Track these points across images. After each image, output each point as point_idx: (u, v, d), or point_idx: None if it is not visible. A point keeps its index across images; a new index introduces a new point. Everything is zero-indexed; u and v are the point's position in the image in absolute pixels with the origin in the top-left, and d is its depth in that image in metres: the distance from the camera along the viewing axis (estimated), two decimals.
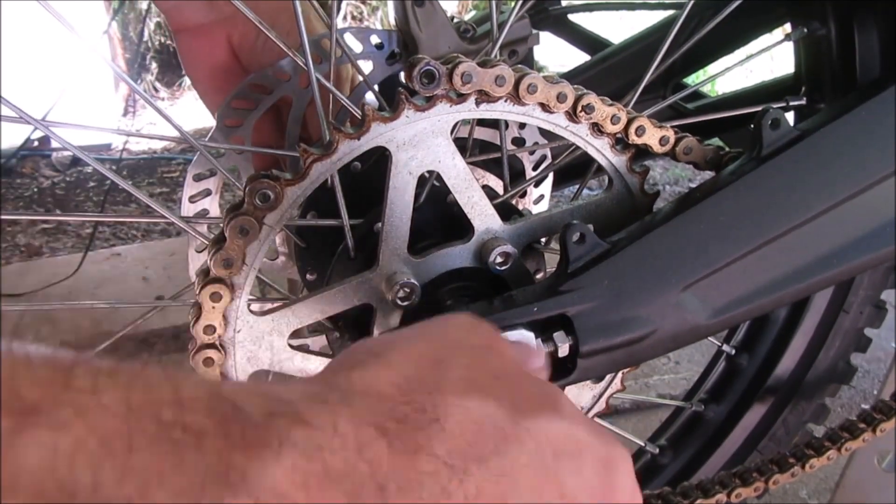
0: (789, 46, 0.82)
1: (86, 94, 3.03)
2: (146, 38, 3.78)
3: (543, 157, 0.84)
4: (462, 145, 0.71)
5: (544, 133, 0.78)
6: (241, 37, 0.74)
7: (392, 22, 0.79)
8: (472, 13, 3.82)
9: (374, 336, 0.39)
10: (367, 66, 0.76)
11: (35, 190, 2.82)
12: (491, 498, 0.31)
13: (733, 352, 0.94)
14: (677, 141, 0.62)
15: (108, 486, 0.22)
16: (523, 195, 0.84)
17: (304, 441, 0.27)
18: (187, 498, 0.23)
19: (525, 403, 0.36)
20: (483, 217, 0.59)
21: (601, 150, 0.61)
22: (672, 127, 0.62)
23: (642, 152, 0.62)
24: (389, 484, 0.28)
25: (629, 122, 0.60)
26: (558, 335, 0.54)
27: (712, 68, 1.15)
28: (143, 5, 3.47)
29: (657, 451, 0.94)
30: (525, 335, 0.54)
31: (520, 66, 0.56)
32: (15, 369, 0.23)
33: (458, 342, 0.39)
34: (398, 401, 0.31)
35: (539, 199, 0.86)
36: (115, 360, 0.26)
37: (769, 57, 0.79)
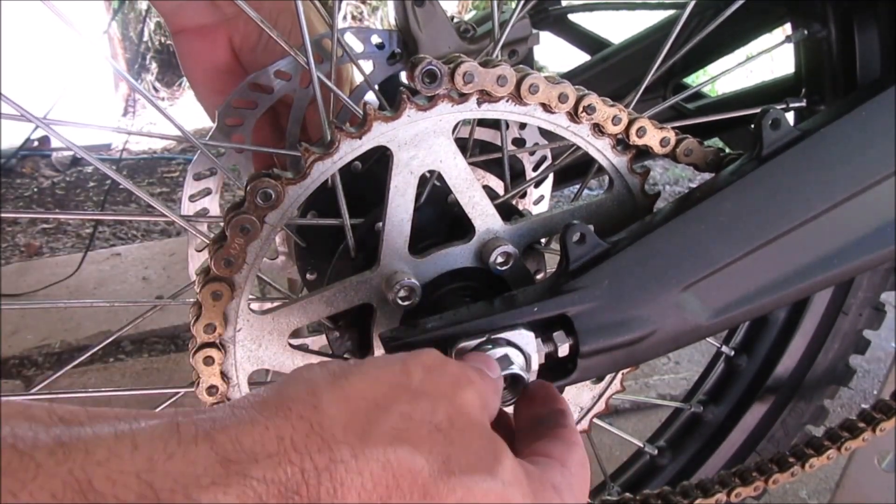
0: (789, 47, 0.82)
1: (86, 93, 3.03)
2: (146, 38, 3.78)
3: (544, 158, 0.84)
4: (462, 145, 0.72)
5: (545, 133, 0.78)
6: (242, 37, 0.73)
7: (392, 22, 0.79)
8: (472, 13, 3.82)
9: (331, 363, 0.39)
10: (367, 66, 0.76)
11: (35, 190, 2.82)
12: None
13: (732, 353, 0.94)
14: (678, 142, 0.62)
15: None
16: (523, 195, 0.84)
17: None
18: None
19: (461, 459, 0.35)
20: (484, 217, 0.59)
21: (602, 151, 0.61)
22: (673, 128, 0.62)
23: (643, 153, 0.62)
24: None
25: (630, 122, 0.60)
26: (558, 335, 0.54)
27: (713, 69, 1.15)
28: (143, 5, 3.47)
29: (656, 451, 0.95)
30: (525, 335, 0.54)
31: (521, 66, 0.56)
32: None
33: (409, 387, 0.38)
34: (303, 463, 0.31)
35: (539, 200, 0.86)
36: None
37: (769, 58, 0.79)
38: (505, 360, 0.52)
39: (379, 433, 0.33)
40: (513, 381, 0.52)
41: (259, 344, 0.58)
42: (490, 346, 0.52)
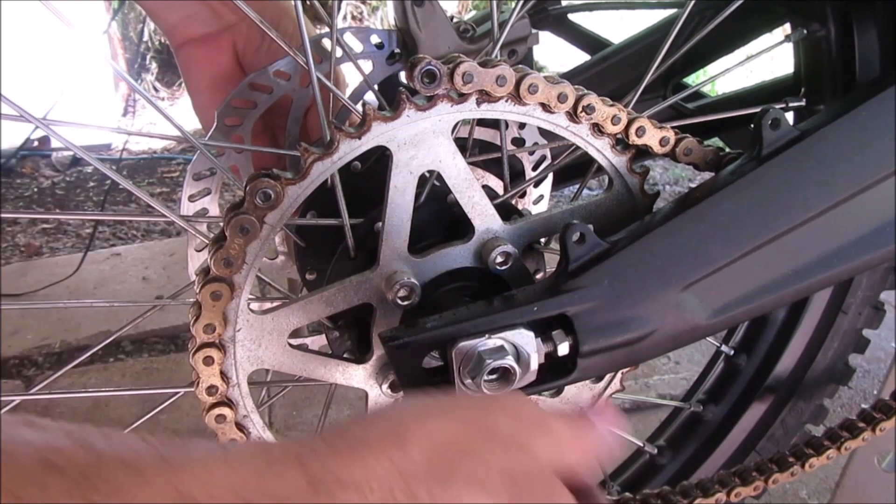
0: (789, 47, 0.82)
1: (86, 93, 3.03)
2: (146, 38, 3.78)
3: (543, 158, 0.84)
4: (462, 145, 0.72)
5: (544, 133, 0.78)
6: (245, 42, 0.74)
7: (392, 22, 0.79)
8: (472, 13, 3.82)
9: (416, 401, 0.40)
10: (367, 66, 0.76)
11: (35, 190, 2.82)
12: None
13: (732, 352, 0.94)
14: (677, 142, 0.62)
15: None
16: (523, 195, 0.84)
17: None
18: None
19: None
20: (483, 217, 0.59)
21: (602, 151, 0.61)
22: (672, 127, 0.62)
23: (642, 153, 0.62)
24: None
25: (630, 122, 0.60)
26: (558, 335, 0.54)
27: (712, 68, 1.15)
28: None
29: (655, 451, 0.95)
30: (525, 335, 0.54)
31: (520, 66, 0.56)
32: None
33: (495, 433, 0.39)
34: (377, 495, 0.32)
35: (539, 200, 0.86)
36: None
37: (769, 57, 0.79)
38: (500, 351, 0.53)
39: (458, 477, 0.35)
40: (503, 374, 0.53)
41: (259, 344, 0.58)
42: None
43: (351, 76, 0.78)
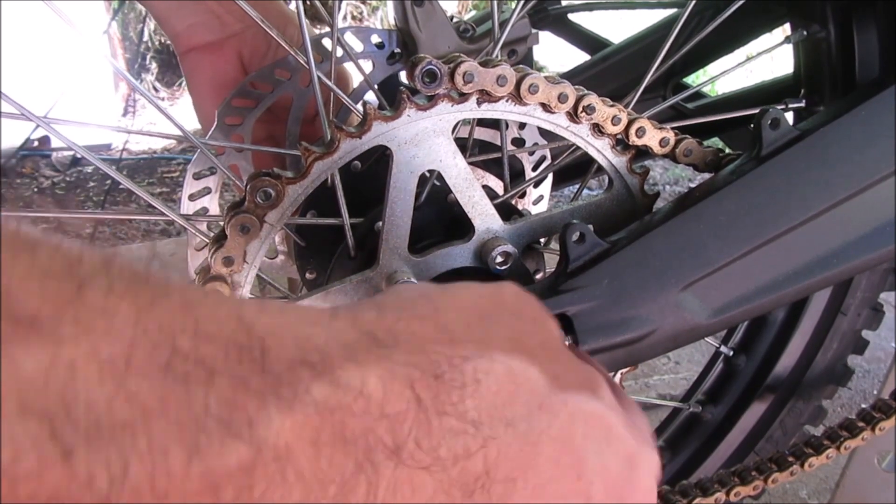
0: (789, 48, 0.82)
1: (86, 93, 3.03)
2: (146, 38, 3.78)
3: (543, 158, 0.84)
4: (462, 145, 0.72)
5: (544, 133, 0.78)
6: (250, 51, 0.75)
7: (392, 22, 0.79)
8: (472, 13, 3.82)
9: (421, 282, 0.38)
10: (367, 66, 0.76)
11: (35, 190, 2.82)
12: (510, 464, 0.30)
13: (731, 353, 0.94)
14: (677, 142, 0.62)
15: (104, 408, 0.21)
16: (523, 195, 0.84)
17: (324, 398, 0.25)
18: (185, 433, 0.22)
19: (567, 377, 0.35)
20: (483, 217, 0.59)
21: (602, 151, 0.61)
22: (672, 128, 0.62)
23: (642, 153, 0.63)
24: (408, 441, 0.27)
25: (630, 123, 0.60)
26: None
27: (712, 68, 1.15)
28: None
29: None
30: None
31: (520, 66, 0.57)
32: (18, 274, 0.22)
33: (508, 305, 0.38)
34: (439, 353, 0.30)
35: (539, 200, 0.86)
36: (139, 267, 0.25)
37: (769, 58, 0.79)
38: None
39: (497, 339, 0.33)
40: None
41: None
42: None
43: (352, 75, 0.78)
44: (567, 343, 0.54)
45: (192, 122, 0.79)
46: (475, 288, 0.38)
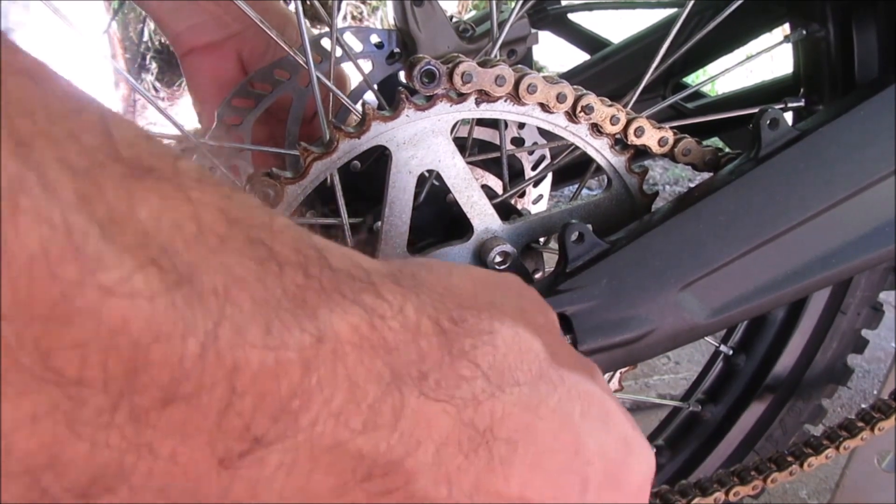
0: (789, 47, 0.82)
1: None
2: (146, 38, 3.79)
3: (542, 157, 0.84)
4: (461, 145, 0.72)
5: (543, 133, 0.78)
6: (250, 51, 0.75)
7: (392, 21, 0.79)
8: (472, 13, 3.82)
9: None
10: (366, 66, 0.76)
11: None
12: (512, 425, 0.31)
13: (731, 352, 0.94)
14: (676, 142, 0.62)
15: (200, 270, 0.22)
16: (522, 195, 0.84)
17: (372, 307, 0.27)
18: (262, 310, 0.23)
19: (566, 358, 0.36)
20: (482, 216, 0.59)
21: (600, 151, 0.61)
22: (671, 128, 0.62)
23: (641, 152, 0.63)
24: (431, 375, 0.28)
25: (628, 122, 0.60)
26: None
27: (712, 68, 1.15)
28: None
29: (654, 450, 0.95)
30: None
31: (519, 66, 0.57)
32: (132, 131, 0.23)
33: (513, 287, 0.39)
34: (461, 303, 0.31)
35: (538, 199, 0.86)
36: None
37: (769, 58, 0.79)
38: None
39: (505, 309, 0.34)
40: None
41: None
42: None
43: (351, 76, 0.78)
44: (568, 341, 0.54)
45: (192, 122, 0.79)
46: (483, 269, 0.39)
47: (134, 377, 0.20)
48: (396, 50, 0.76)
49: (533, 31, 0.79)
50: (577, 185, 0.75)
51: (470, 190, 0.58)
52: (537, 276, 0.66)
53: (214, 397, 0.22)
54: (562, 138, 0.60)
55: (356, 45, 0.75)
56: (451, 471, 0.29)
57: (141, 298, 0.20)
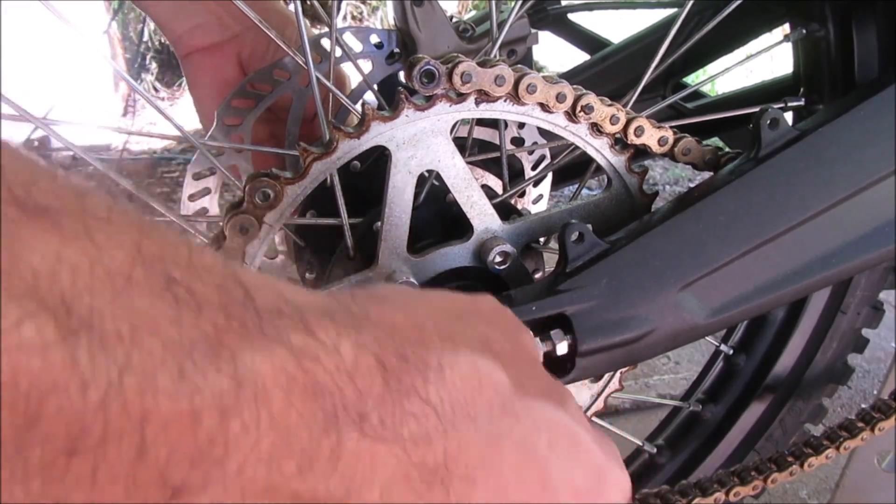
0: (789, 47, 0.82)
1: (86, 93, 3.03)
2: (146, 38, 3.79)
3: (542, 157, 0.84)
4: (461, 145, 0.72)
5: (543, 133, 0.78)
6: (250, 52, 0.75)
7: (392, 22, 0.79)
8: (472, 13, 3.81)
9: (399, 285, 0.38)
10: (366, 66, 0.76)
11: None
12: (471, 460, 0.30)
13: (731, 352, 0.94)
14: (676, 141, 0.62)
15: (103, 315, 0.21)
16: (522, 195, 0.84)
17: (300, 348, 0.26)
18: (174, 354, 0.22)
19: (534, 386, 0.35)
20: (482, 216, 0.59)
21: (600, 150, 0.61)
22: (671, 127, 0.62)
23: (641, 152, 0.63)
24: (372, 414, 0.27)
25: (628, 122, 0.60)
26: (556, 334, 0.54)
27: (712, 68, 1.15)
28: None
29: (655, 450, 0.95)
30: None
31: (519, 65, 0.57)
32: (28, 170, 0.22)
33: (482, 313, 0.38)
34: (407, 339, 0.30)
35: (538, 199, 0.86)
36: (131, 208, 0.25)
37: (769, 57, 0.79)
38: None
39: (466, 339, 0.33)
40: None
41: None
42: None
43: (351, 76, 0.78)
44: (543, 352, 0.53)
45: (191, 123, 0.79)
46: (452, 294, 0.38)
47: (29, 431, 0.19)
48: (396, 50, 0.76)
49: (533, 31, 0.79)
50: (577, 185, 0.75)
51: (470, 190, 0.58)
52: (537, 275, 0.66)
53: (124, 448, 0.21)
54: (562, 138, 0.60)
55: (356, 45, 0.75)
56: None
57: (31, 349, 0.19)
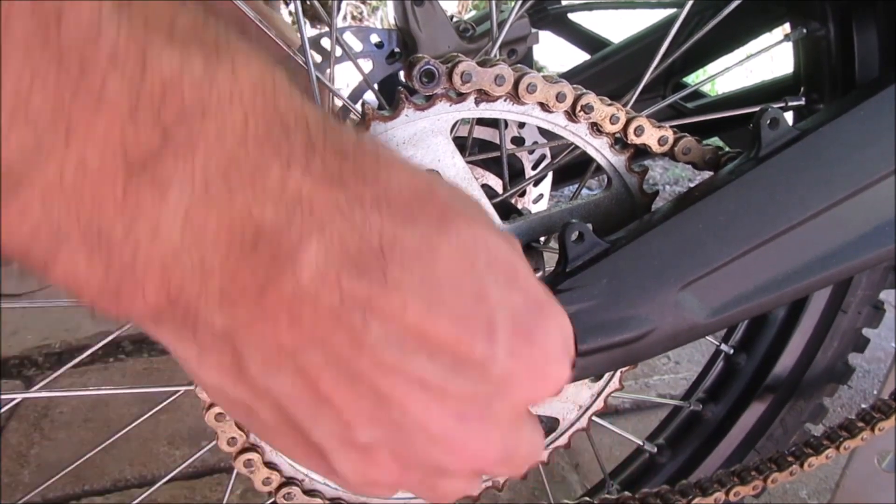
0: (789, 48, 0.82)
1: None
2: None
3: (543, 157, 0.84)
4: (461, 144, 0.72)
5: (543, 132, 0.78)
6: None
7: (392, 21, 0.79)
8: (472, 13, 3.81)
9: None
10: (367, 65, 0.76)
11: None
12: (406, 255, 0.30)
13: (732, 351, 0.94)
14: (676, 141, 0.62)
15: None
16: (522, 194, 0.84)
17: (278, 78, 0.29)
18: (183, 38, 0.26)
19: (483, 220, 0.35)
20: None
21: (600, 150, 0.61)
22: (671, 126, 0.62)
23: (641, 152, 0.63)
24: (319, 160, 0.29)
25: (628, 121, 0.60)
26: None
27: (712, 68, 1.15)
28: None
29: (655, 449, 0.95)
30: None
31: (519, 65, 0.57)
32: None
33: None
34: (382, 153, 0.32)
35: (538, 199, 0.87)
36: None
37: (769, 57, 0.79)
38: None
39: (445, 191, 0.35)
40: None
41: None
42: None
43: (352, 76, 0.78)
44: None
45: None
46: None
47: (50, 29, 0.22)
48: (396, 49, 0.76)
49: (533, 30, 0.79)
50: (577, 185, 0.75)
51: (470, 189, 0.58)
52: (538, 275, 0.66)
53: (126, 74, 0.24)
54: (562, 137, 0.60)
55: (356, 45, 0.75)
56: (343, 278, 0.28)
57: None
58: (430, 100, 0.54)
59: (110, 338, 0.72)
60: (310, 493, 0.66)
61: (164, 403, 0.70)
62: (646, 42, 1.10)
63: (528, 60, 0.82)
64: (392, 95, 0.55)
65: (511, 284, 0.34)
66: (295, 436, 0.32)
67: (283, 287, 0.28)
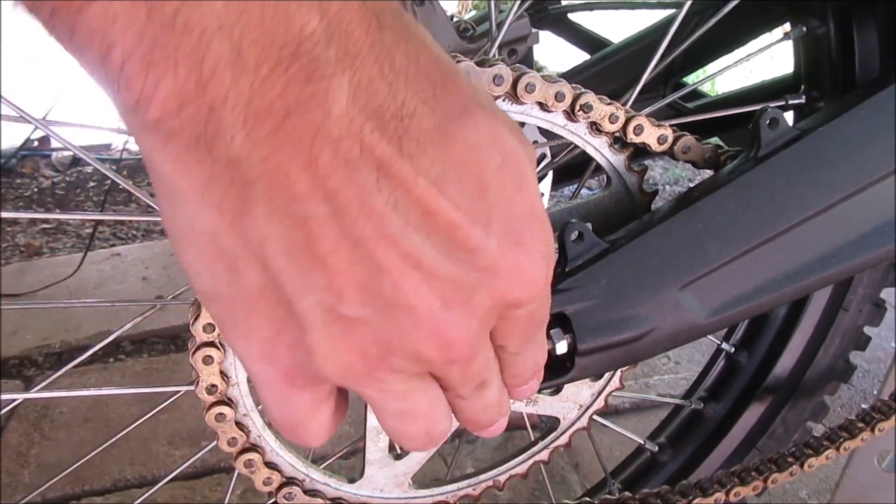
0: (789, 45, 0.82)
1: (85, 94, 3.03)
2: None
3: (542, 156, 0.84)
4: None
5: (543, 132, 0.78)
6: None
7: None
8: (472, 13, 3.81)
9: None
10: None
11: (35, 190, 2.82)
12: (423, 133, 0.29)
13: (732, 350, 0.94)
14: (675, 139, 0.62)
15: None
16: None
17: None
18: None
19: (509, 122, 0.34)
20: None
21: (599, 149, 0.61)
22: (671, 126, 0.62)
23: (641, 151, 0.63)
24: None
25: (627, 120, 0.60)
26: (556, 333, 0.54)
27: (712, 67, 1.15)
28: None
29: (656, 448, 0.95)
30: None
31: (518, 65, 0.57)
32: None
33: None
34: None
35: None
36: None
37: (769, 56, 0.79)
38: None
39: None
40: None
41: None
42: None
43: None
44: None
45: None
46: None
47: None
48: None
49: (533, 30, 0.79)
50: (576, 184, 0.75)
51: None
52: None
53: None
54: (561, 137, 0.60)
55: None
56: (366, 128, 0.27)
57: None
58: None
59: (110, 338, 0.72)
60: (310, 493, 0.66)
61: (165, 403, 0.70)
62: (645, 42, 1.10)
63: (528, 60, 0.82)
64: None
65: (515, 189, 0.34)
66: (271, 309, 0.31)
67: (308, 117, 0.26)
